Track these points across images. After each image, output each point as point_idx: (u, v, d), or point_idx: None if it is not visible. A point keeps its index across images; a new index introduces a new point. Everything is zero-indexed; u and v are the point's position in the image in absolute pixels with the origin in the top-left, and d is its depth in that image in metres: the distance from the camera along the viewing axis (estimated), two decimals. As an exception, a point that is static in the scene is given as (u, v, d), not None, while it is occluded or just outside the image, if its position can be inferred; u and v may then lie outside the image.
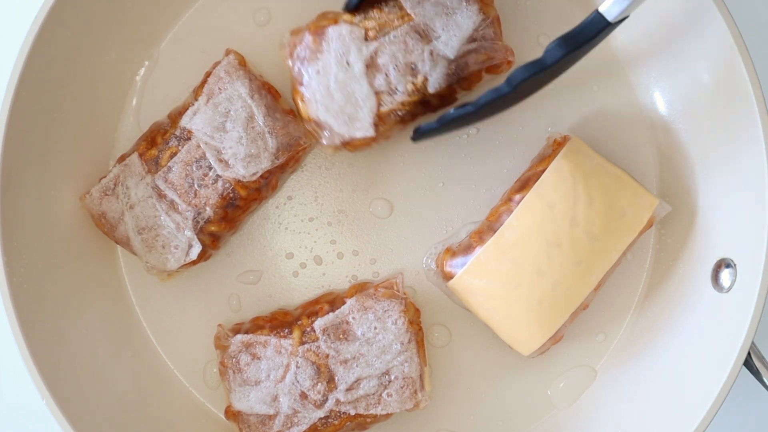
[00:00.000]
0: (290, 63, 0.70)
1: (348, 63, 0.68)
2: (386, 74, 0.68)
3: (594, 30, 0.59)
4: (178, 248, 0.71)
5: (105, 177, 0.72)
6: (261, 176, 0.71)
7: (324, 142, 0.71)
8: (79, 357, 0.71)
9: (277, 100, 0.74)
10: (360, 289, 0.73)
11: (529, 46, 0.76)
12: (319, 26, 0.70)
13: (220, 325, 0.74)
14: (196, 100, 0.71)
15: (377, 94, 0.68)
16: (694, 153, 0.73)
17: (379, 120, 0.69)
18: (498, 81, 0.74)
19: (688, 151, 0.74)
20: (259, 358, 0.70)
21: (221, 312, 0.77)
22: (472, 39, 0.69)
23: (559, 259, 0.69)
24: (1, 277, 0.66)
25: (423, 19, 0.68)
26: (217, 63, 0.72)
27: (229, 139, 0.70)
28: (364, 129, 0.69)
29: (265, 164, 0.70)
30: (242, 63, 0.72)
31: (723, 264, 0.70)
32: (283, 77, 0.76)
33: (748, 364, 0.66)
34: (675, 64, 0.73)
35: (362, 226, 0.77)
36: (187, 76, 0.76)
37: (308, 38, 0.69)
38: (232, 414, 0.72)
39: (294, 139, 0.72)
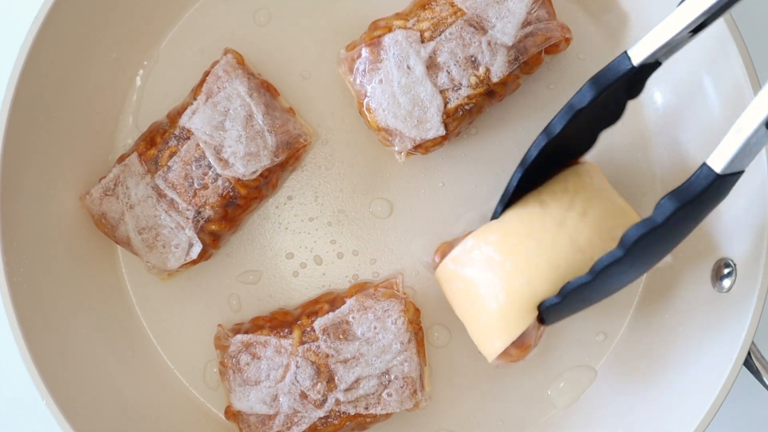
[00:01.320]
0: (351, 78, 0.71)
1: (409, 67, 0.69)
2: (448, 71, 0.69)
3: (702, 183, 0.55)
4: (178, 247, 0.71)
5: (105, 177, 0.72)
6: (261, 174, 0.71)
7: (396, 148, 0.71)
8: (79, 357, 0.71)
9: (276, 98, 0.74)
10: (360, 288, 0.73)
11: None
12: (373, 37, 0.70)
13: (220, 325, 0.74)
14: (195, 99, 0.71)
15: (442, 92, 0.69)
16: (693, 153, 0.73)
17: (448, 117, 0.70)
18: (558, 60, 0.76)
19: (688, 151, 0.74)
20: (259, 358, 0.70)
21: (221, 312, 0.77)
22: (527, 23, 0.69)
23: (536, 256, 0.66)
24: (1, 277, 0.66)
25: (475, 12, 0.69)
26: (216, 62, 0.72)
27: (228, 137, 0.70)
28: (434, 129, 0.70)
29: (264, 162, 0.70)
30: (240, 62, 0.72)
31: (723, 264, 0.70)
32: (282, 76, 0.76)
33: (748, 364, 0.66)
34: (674, 64, 0.73)
35: (362, 226, 0.77)
36: (187, 76, 0.76)
37: (365, 51, 0.70)
38: (232, 414, 0.72)
39: (293, 137, 0.72)
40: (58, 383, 0.67)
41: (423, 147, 0.72)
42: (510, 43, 0.69)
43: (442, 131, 0.70)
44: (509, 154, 0.77)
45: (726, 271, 0.69)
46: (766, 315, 0.67)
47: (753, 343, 0.66)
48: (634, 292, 0.77)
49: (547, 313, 0.65)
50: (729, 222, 0.70)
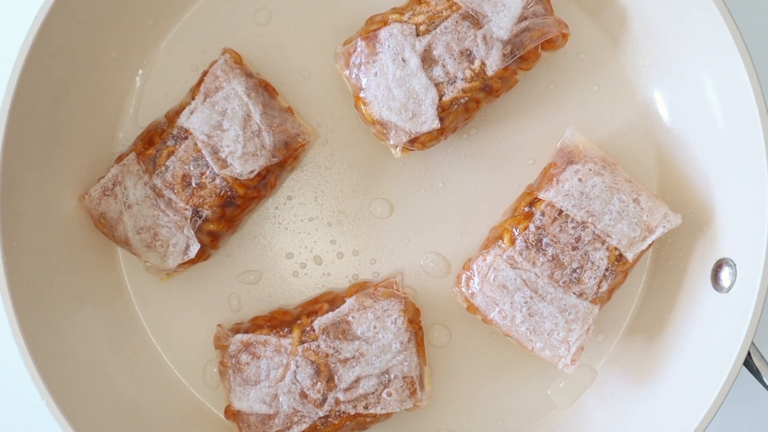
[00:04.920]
0: (347, 72, 0.71)
1: (404, 60, 0.69)
2: (443, 65, 0.69)
3: None
4: (176, 247, 0.71)
5: (103, 177, 0.72)
6: (258, 174, 0.71)
7: (391, 142, 0.71)
8: (79, 357, 0.71)
9: (275, 97, 0.74)
10: (359, 288, 0.73)
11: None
12: (369, 31, 0.70)
13: (219, 325, 0.74)
14: (193, 99, 0.71)
15: (437, 85, 0.69)
16: (694, 153, 0.73)
17: (443, 111, 0.70)
18: (558, 60, 0.75)
19: (688, 151, 0.74)
20: (258, 358, 0.70)
21: (221, 312, 0.77)
22: (523, 18, 0.69)
23: None
24: (1, 276, 0.66)
25: (471, 6, 0.69)
26: (214, 62, 0.72)
27: (226, 137, 0.70)
28: (429, 121, 0.69)
29: (262, 162, 0.70)
30: (238, 61, 0.72)
31: (723, 264, 0.70)
32: (282, 76, 0.76)
33: (748, 363, 0.66)
34: (675, 64, 0.73)
35: (362, 226, 0.77)
36: (186, 76, 0.77)
37: (361, 44, 0.70)
38: (232, 413, 0.72)
39: (291, 136, 0.72)
40: (57, 383, 0.67)
41: (419, 142, 0.71)
42: (506, 38, 0.69)
43: (436, 124, 0.69)
44: (509, 154, 0.77)
45: (726, 270, 0.69)
46: (765, 315, 0.67)
47: (753, 343, 0.65)
48: (634, 292, 0.77)
49: None
50: (729, 222, 0.70)
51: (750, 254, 0.66)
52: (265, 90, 0.73)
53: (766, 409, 0.83)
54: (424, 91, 0.69)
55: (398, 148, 0.71)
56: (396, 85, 0.69)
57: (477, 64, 0.69)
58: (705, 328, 0.70)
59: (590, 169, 0.70)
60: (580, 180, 0.69)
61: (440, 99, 0.69)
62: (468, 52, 0.69)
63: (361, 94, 0.70)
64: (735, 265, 0.68)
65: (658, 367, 0.73)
